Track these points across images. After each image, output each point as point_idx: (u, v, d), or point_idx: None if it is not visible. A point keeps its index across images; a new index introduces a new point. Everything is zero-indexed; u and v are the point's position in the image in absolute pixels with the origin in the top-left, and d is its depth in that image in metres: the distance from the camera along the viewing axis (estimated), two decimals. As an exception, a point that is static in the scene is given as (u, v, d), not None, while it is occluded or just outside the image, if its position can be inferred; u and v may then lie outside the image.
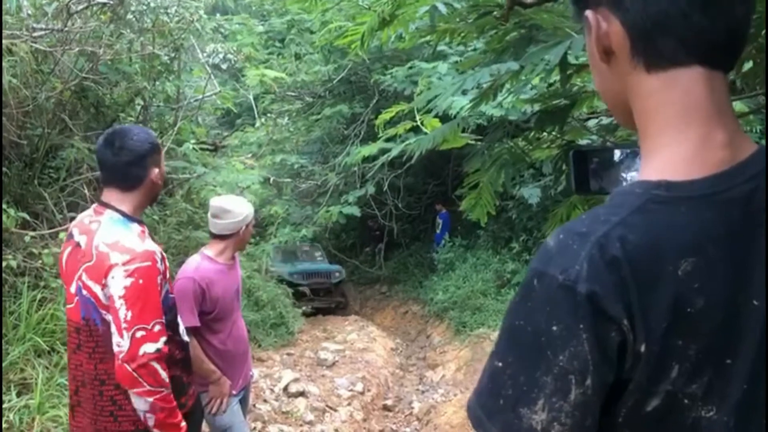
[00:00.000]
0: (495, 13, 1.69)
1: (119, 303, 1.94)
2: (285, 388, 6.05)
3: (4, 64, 4.22)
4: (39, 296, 4.41)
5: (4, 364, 3.98)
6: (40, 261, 4.41)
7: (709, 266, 0.71)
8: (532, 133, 2.12)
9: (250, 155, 7.75)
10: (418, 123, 2.66)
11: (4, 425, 3.73)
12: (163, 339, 2.02)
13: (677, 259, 0.71)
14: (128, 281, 1.95)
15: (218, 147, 7.00)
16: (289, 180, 11.24)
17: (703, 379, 0.73)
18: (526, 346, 0.75)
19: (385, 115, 3.02)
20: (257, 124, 9.13)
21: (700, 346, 0.72)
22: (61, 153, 5.23)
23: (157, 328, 2.00)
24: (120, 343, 1.95)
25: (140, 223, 2.17)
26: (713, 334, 0.72)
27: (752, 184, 0.74)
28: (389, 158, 2.83)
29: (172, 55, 6.04)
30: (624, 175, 1.06)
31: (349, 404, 6.20)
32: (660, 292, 0.70)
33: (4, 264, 4.21)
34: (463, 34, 1.93)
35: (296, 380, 6.28)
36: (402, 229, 13.94)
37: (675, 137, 0.77)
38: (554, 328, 0.71)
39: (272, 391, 5.99)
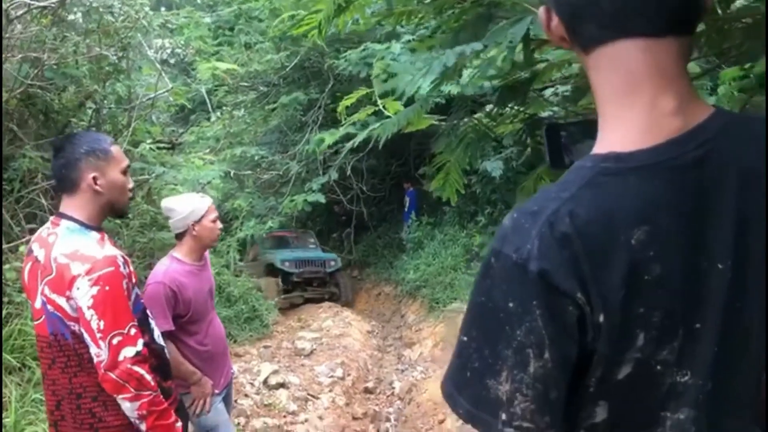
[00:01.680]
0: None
1: (89, 314, 1.90)
2: (265, 381, 6.04)
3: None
4: (3, 312, 4.31)
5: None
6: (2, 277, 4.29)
7: (663, 233, 0.73)
8: (495, 109, 2.13)
9: (208, 150, 7.62)
10: (380, 107, 2.64)
11: (-20, 447, 3.65)
12: (141, 341, 1.99)
13: (629, 229, 0.72)
14: (94, 290, 1.91)
15: (175, 144, 6.87)
16: (249, 172, 11.11)
17: (673, 345, 0.75)
18: (488, 321, 0.77)
19: (346, 101, 3.00)
20: (213, 118, 8.96)
21: (664, 313, 0.74)
22: (13, 164, 5.08)
23: (133, 331, 1.97)
24: (99, 353, 1.92)
25: (98, 230, 2.12)
26: (676, 300, 0.75)
27: (705, 148, 0.75)
28: (355, 144, 2.81)
29: (120, 54, 5.88)
30: (580, 148, 1.07)
31: (330, 391, 6.23)
32: (614, 263, 0.72)
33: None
34: (420, 16, 1.92)
35: (276, 372, 6.27)
36: (369, 212, 13.95)
37: (621, 109, 0.79)
38: (510, 304, 0.74)
39: (252, 385, 5.97)
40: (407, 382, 6.69)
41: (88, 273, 1.91)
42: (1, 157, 4.40)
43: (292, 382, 6.20)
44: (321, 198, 11.90)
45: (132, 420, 2.00)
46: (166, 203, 2.97)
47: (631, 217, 0.73)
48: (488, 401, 0.76)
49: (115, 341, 1.92)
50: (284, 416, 5.41)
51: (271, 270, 11.56)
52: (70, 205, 2.07)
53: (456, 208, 11.85)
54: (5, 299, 4.42)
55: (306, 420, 5.41)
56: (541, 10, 0.84)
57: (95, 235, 2.06)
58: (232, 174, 9.82)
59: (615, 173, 0.75)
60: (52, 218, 2.13)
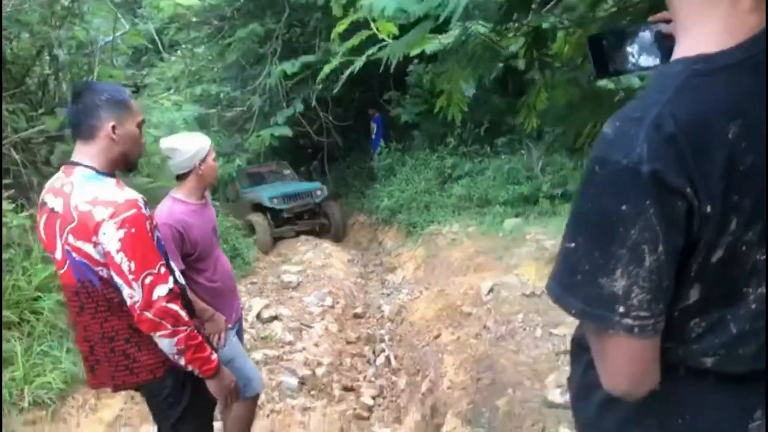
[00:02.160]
0: None
1: (119, 257, 1.93)
2: (258, 316, 6.15)
3: None
4: (-6, 269, 4.27)
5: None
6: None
7: (753, 125, 0.80)
8: (499, 25, 2.14)
9: (170, 91, 7.41)
10: (374, 30, 2.62)
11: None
12: (171, 278, 2.03)
13: (725, 124, 0.79)
14: (121, 233, 1.93)
15: (139, 87, 6.67)
16: (213, 110, 10.85)
17: (757, 228, 0.83)
18: (596, 226, 0.83)
19: (340, 27, 2.96)
20: (173, 58, 8.68)
21: (753, 199, 0.82)
22: (-22, 119, 4.91)
23: (163, 270, 2.01)
24: (132, 294, 1.95)
25: (112, 176, 2.12)
26: (761, 186, 0.82)
27: None
28: (355, 70, 2.80)
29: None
30: (632, 52, 1.11)
31: (322, 319, 6.38)
32: (715, 157, 0.79)
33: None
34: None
35: (267, 306, 6.39)
36: (336, 142, 13.86)
37: (705, 11, 0.83)
38: (623, 207, 0.79)
39: (246, 320, 6.07)
40: (395, 304, 6.88)
41: (112, 217, 1.93)
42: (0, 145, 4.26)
43: (284, 314, 6.32)
44: (287, 131, 11.77)
45: (171, 356, 2.06)
46: (168, 143, 2.93)
47: (725, 113, 0.79)
48: (602, 298, 0.83)
49: (147, 281, 1.95)
50: (282, 346, 5.55)
51: (258, 209, 11.32)
52: (84, 152, 2.05)
53: (425, 131, 11.86)
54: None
55: (303, 348, 5.56)
56: None
57: (111, 180, 2.06)
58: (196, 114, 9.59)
59: (706, 73, 0.80)
60: (63, 167, 2.11)
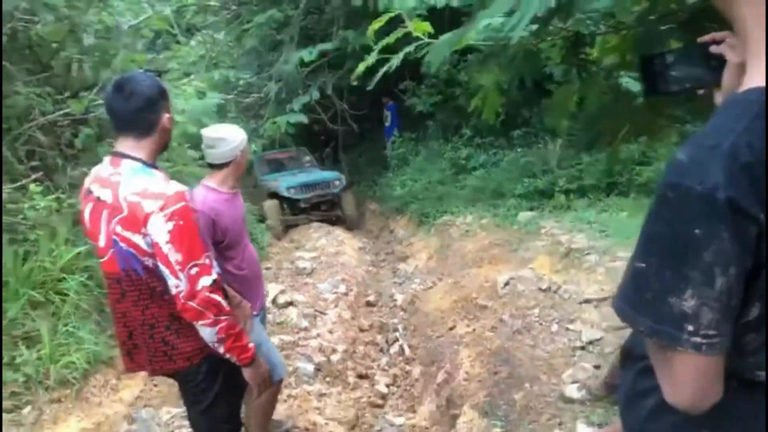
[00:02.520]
0: None
1: (167, 248, 1.99)
2: (274, 301, 6.22)
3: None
4: (21, 250, 4.35)
5: (4, 323, 3.99)
6: (20, 216, 4.31)
7: None
8: (537, 28, 2.18)
9: (192, 77, 7.46)
10: (410, 29, 2.67)
11: (21, 379, 3.79)
12: (215, 270, 2.09)
13: None
14: (170, 225, 1.99)
15: (161, 72, 6.73)
16: (231, 97, 10.90)
17: None
18: (667, 248, 0.88)
19: (376, 25, 3.01)
20: (192, 42, 8.72)
21: None
22: (6, 101, 4.97)
23: (208, 261, 2.07)
24: (177, 284, 2.02)
25: (157, 167, 2.18)
26: None
27: None
28: (392, 68, 2.86)
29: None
30: (681, 72, 1.15)
31: (336, 306, 6.45)
32: None
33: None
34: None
35: (282, 292, 6.46)
36: (350, 130, 13.87)
37: None
38: (697, 231, 0.84)
39: (262, 305, 6.15)
40: (408, 294, 6.94)
41: (161, 209, 1.99)
42: (1, 137, 4.32)
43: (299, 300, 6.40)
44: (303, 118, 11.81)
45: (211, 344, 2.13)
46: (216, 133, 2.98)
47: None
48: (671, 316, 0.88)
49: (193, 272, 2.02)
50: (297, 332, 5.62)
51: (274, 195, 11.10)
52: (133, 145, 2.11)
53: (440, 122, 11.87)
54: (20, 237, 4.46)
55: (318, 335, 5.63)
56: None
57: (159, 173, 2.12)
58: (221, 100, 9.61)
59: None
60: (109, 158, 2.17)
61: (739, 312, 0.91)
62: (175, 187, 2.07)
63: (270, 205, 10.68)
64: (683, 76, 1.13)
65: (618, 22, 2.11)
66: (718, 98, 1.04)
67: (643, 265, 0.92)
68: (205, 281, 2.04)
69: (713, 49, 1.07)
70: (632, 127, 2.30)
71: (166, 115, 2.12)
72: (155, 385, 4.54)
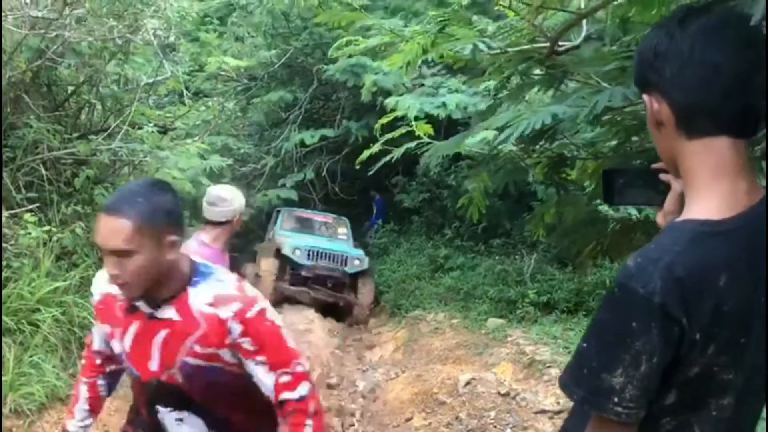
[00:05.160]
0: (535, 57, 2.02)
1: None
2: (236, 367, 6.21)
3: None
4: (3, 276, 4.42)
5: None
6: (11, 242, 4.42)
7: (738, 277, 1.07)
8: (524, 146, 2.46)
9: (196, 138, 7.75)
10: (413, 127, 2.96)
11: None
12: None
13: (718, 275, 1.05)
14: None
15: (168, 129, 7.01)
16: (229, 163, 11.21)
17: (729, 354, 1.09)
18: (609, 334, 1.09)
19: (383, 120, 3.31)
20: (203, 107, 9.12)
21: (728, 332, 1.08)
22: (17, 132, 5.18)
23: None
24: None
25: None
26: (736, 323, 1.08)
27: (760, 219, 1.09)
28: (393, 159, 3.13)
29: (128, 34, 6.02)
30: (635, 189, 1.38)
31: (297, 382, 6.44)
32: (707, 299, 1.05)
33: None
34: (500, 70, 2.22)
35: (246, 360, 6.46)
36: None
37: (712, 187, 1.11)
38: (633, 324, 1.04)
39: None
40: (370, 381, 6.96)
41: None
42: (1, 152, 4.51)
43: (261, 370, 6.39)
44: (293, 195, 12.11)
45: None
46: (219, 192, 3.18)
47: (719, 267, 1.05)
48: (602, 390, 1.06)
49: None
50: (255, 402, 5.61)
51: (277, 257, 9.77)
52: None
53: (424, 219, 12.22)
54: (4, 263, 4.54)
55: (276, 407, 5.63)
56: (646, 97, 1.15)
57: None
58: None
59: (711, 234, 1.06)
60: None
61: (657, 396, 1.10)
62: None
63: (267, 265, 9.48)
64: (635, 193, 1.37)
65: (597, 151, 2.40)
66: (659, 217, 1.27)
67: (586, 345, 1.11)
68: None
69: (662, 176, 1.30)
70: (602, 246, 2.55)
71: None
72: (107, 430, 4.51)
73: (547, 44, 2.09)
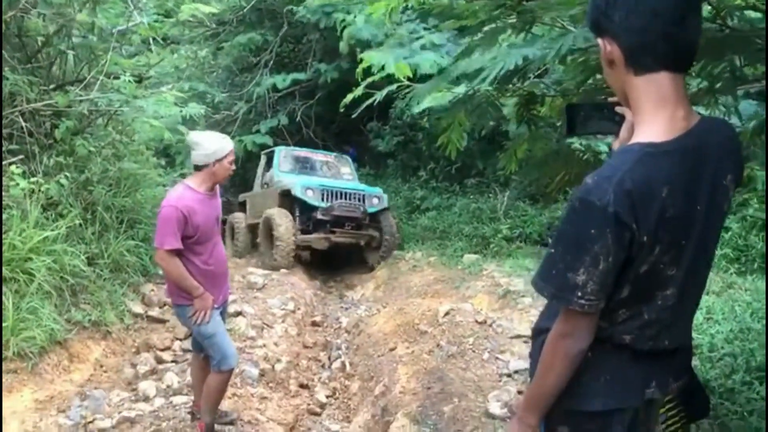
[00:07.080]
0: (507, 3, 2.18)
1: None
2: (224, 308, 6.43)
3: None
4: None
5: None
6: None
7: (677, 189, 1.29)
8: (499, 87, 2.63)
9: (169, 86, 7.74)
10: (393, 71, 3.10)
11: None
12: None
13: (661, 187, 1.27)
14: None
15: (143, 78, 7.00)
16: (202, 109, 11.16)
17: (671, 253, 1.32)
18: (571, 240, 1.32)
19: (364, 64, 3.43)
20: (175, 53, 9.03)
21: (671, 235, 1.30)
22: (-7, 85, 5.18)
23: None
24: None
25: None
26: (677, 227, 1.30)
27: (697, 139, 1.30)
28: (375, 102, 3.27)
29: (96, -18, 5.95)
30: (594, 121, 1.57)
31: (283, 321, 6.71)
32: (653, 207, 1.27)
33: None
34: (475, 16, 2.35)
35: (233, 301, 6.69)
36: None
37: (655, 115, 1.31)
38: (592, 231, 1.26)
39: (212, 312, 6.36)
40: (353, 318, 7.27)
41: None
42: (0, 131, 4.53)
43: (248, 311, 6.63)
44: (268, 140, 12.15)
45: None
46: (194, 137, 3.32)
47: (661, 181, 1.26)
48: (568, 286, 1.29)
49: None
50: (244, 340, 5.86)
51: (284, 202, 8.98)
52: None
53: (399, 162, 12.40)
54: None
55: (264, 345, 5.89)
56: (600, 41, 1.35)
57: None
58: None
59: (654, 155, 1.27)
60: None
61: (613, 291, 1.32)
62: None
63: (279, 215, 8.58)
64: (594, 124, 1.57)
65: (564, 88, 2.59)
66: (615, 144, 1.47)
67: (553, 250, 1.33)
68: None
69: (618, 108, 1.50)
70: (569, 177, 2.77)
71: None
72: (105, 372, 4.73)
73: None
